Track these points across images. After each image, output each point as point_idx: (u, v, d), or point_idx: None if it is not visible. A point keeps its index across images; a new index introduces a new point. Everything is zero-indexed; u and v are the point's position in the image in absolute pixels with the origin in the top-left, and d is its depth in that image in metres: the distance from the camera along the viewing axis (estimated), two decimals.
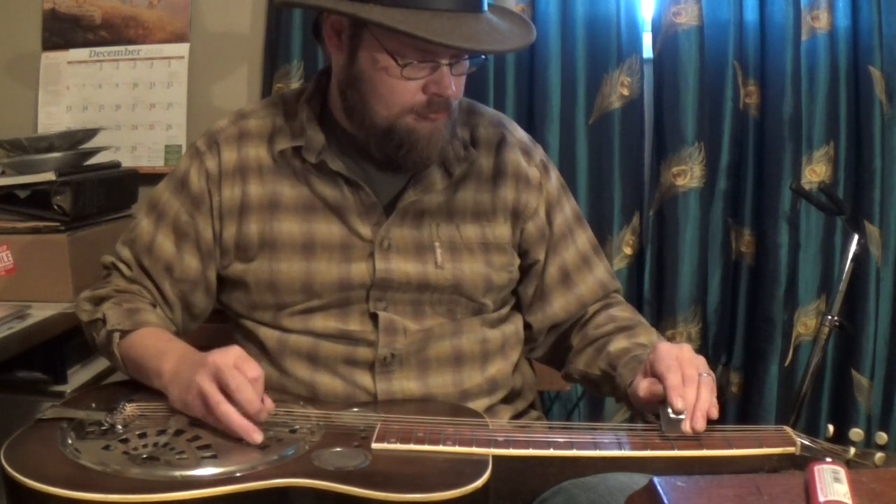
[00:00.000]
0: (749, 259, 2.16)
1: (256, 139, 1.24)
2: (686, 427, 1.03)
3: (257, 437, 1.01)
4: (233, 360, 1.05)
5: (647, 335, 1.26)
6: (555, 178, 1.34)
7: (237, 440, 1.03)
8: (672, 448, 1.02)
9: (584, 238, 1.35)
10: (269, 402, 1.06)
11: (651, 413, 1.13)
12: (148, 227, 1.27)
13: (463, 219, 1.25)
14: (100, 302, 1.25)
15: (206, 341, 1.18)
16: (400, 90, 1.13)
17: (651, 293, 2.14)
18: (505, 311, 1.31)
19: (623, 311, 1.32)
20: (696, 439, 1.02)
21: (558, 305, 1.31)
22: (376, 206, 1.21)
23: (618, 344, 1.24)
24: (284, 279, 1.20)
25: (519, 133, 1.33)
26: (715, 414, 1.05)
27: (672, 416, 1.03)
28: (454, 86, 1.14)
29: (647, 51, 2.12)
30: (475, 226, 1.25)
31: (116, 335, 1.19)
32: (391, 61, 1.11)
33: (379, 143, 1.18)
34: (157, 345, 1.17)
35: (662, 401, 1.05)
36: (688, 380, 1.05)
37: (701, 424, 1.03)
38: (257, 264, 1.22)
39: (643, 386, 1.09)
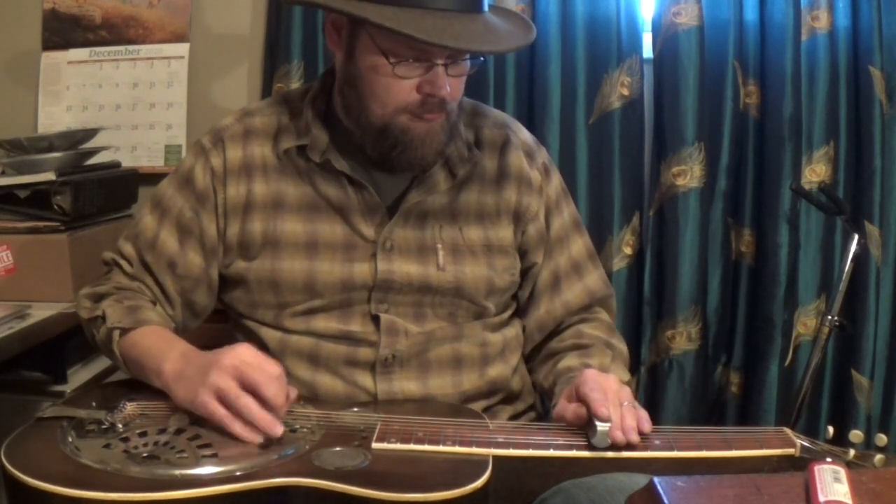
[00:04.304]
0: (749, 259, 2.16)
1: (262, 137, 1.24)
2: (617, 434, 1.01)
3: (279, 429, 1.02)
4: (250, 358, 1.06)
5: (599, 357, 1.24)
6: (556, 182, 1.33)
7: (238, 439, 1.03)
8: (672, 448, 1.02)
9: (579, 244, 1.34)
10: (293, 392, 1.09)
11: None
12: (151, 224, 1.27)
13: (466, 220, 1.25)
14: (100, 299, 1.24)
15: (206, 341, 1.18)
16: (395, 89, 1.13)
17: (651, 293, 2.14)
18: (506, 314, 1.31)
19: (593, 329, 1.30)
20: (629, 449, 1.01)
21: (544, 309, 1.31)
22: (380, 206, 1.21)
23: (567, 362, 1.24)
24: (287, 278, 1.20)
25: (523, 134, 1.33)
26: (647, 428, 1.04)
27: (600, 426, 1.01)
28: (450, 86, 1.13)
29: (647, 51, 2.12)
30: (478, 228, 1.25)
31: (116, 333, 1.19)
32: (384, 59, 1.11)
33: (374, 142, 1.18)
34: (157, 343, 1.17)
35: (589, 420, 1.04)
36: (611, 401, 1.04)
37: (633, 436, 1.02)
38: (259, 262, 1.22)
39: (570, 409, 1.08)
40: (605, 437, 1.01)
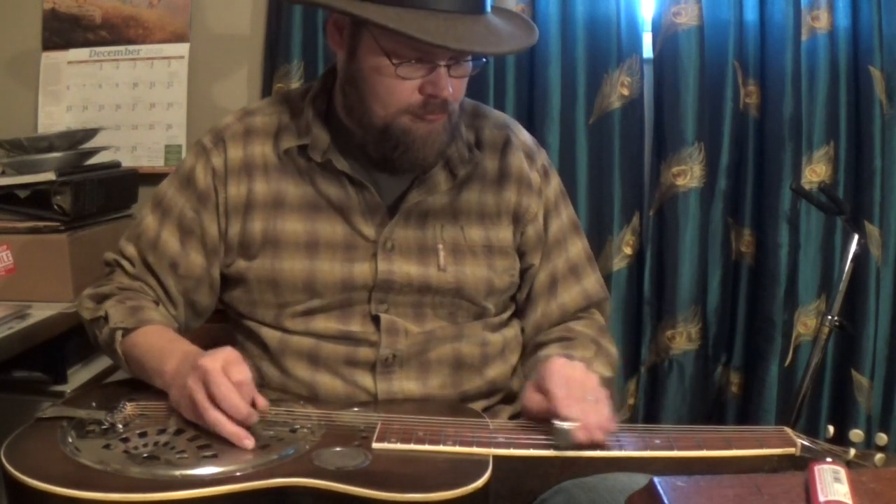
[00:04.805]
0: (749, 259, 2.16)
1: (262, 136, 1.24)
2: (580, 435, 1.00)
3: (248, 442, 1.01)
4: (220, 363, 1.04)
5: (582, 350, 1.23)
6: (555, 184, 1.33)
7: None
8: (672, 448, 1.02)
9: (577, 247, 1.34)
10: (261, 402, 1.06)
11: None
12: (153, 224, 1.27)
13: (467, 221, 1.24)
14: (102, 299, 1.24)
15: (208, 341, 1.18)
16: (397, 90, 1.13)
17: (651, 293, 2.14)
18: (506, 315, 1.30)
19: (583, 327, 1.29)
20: (592, 449, 1.00)
21: (541, 312, 1.30)
22: (380, 206, 1.21)
23: (549, 351, 1.23)
24: (287, 277, 1.20)
25: (523, 136, 1.33)
26: (612, 428, 1.03)
27: (563, 426, 1.00)
28: (452, 87, 1.13)
29: (647, 51, 2.12)
30: (479, 228, 1.25)
31: (119, 333, 1.19)
32: (386, 60, 1.11)
33: (376, 143, 1.18)
34: (159, 344, 1.17)
35: (552, 419, 1.02)
36: (575, 396, 1.04)
37: (598, 435, 1.01)
38: (259, 262, 1.22)
39: (535, 401, 1.07)
40: (569, 437, 1.00)
